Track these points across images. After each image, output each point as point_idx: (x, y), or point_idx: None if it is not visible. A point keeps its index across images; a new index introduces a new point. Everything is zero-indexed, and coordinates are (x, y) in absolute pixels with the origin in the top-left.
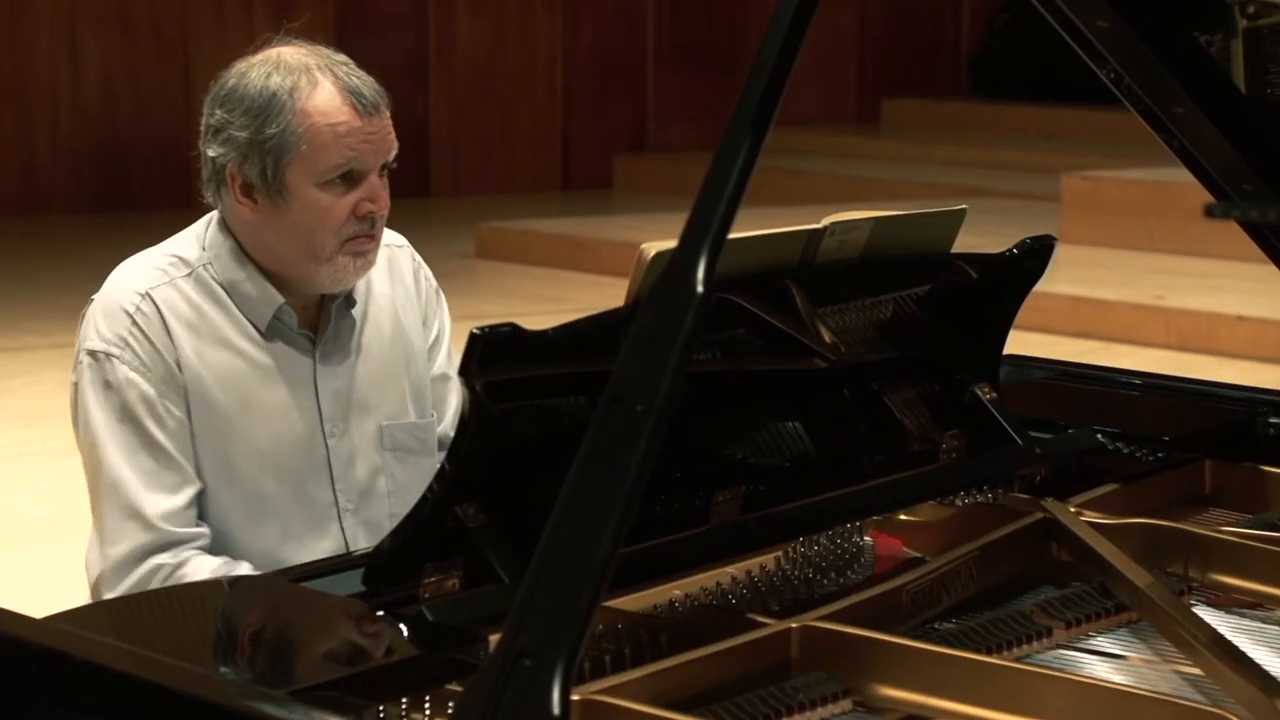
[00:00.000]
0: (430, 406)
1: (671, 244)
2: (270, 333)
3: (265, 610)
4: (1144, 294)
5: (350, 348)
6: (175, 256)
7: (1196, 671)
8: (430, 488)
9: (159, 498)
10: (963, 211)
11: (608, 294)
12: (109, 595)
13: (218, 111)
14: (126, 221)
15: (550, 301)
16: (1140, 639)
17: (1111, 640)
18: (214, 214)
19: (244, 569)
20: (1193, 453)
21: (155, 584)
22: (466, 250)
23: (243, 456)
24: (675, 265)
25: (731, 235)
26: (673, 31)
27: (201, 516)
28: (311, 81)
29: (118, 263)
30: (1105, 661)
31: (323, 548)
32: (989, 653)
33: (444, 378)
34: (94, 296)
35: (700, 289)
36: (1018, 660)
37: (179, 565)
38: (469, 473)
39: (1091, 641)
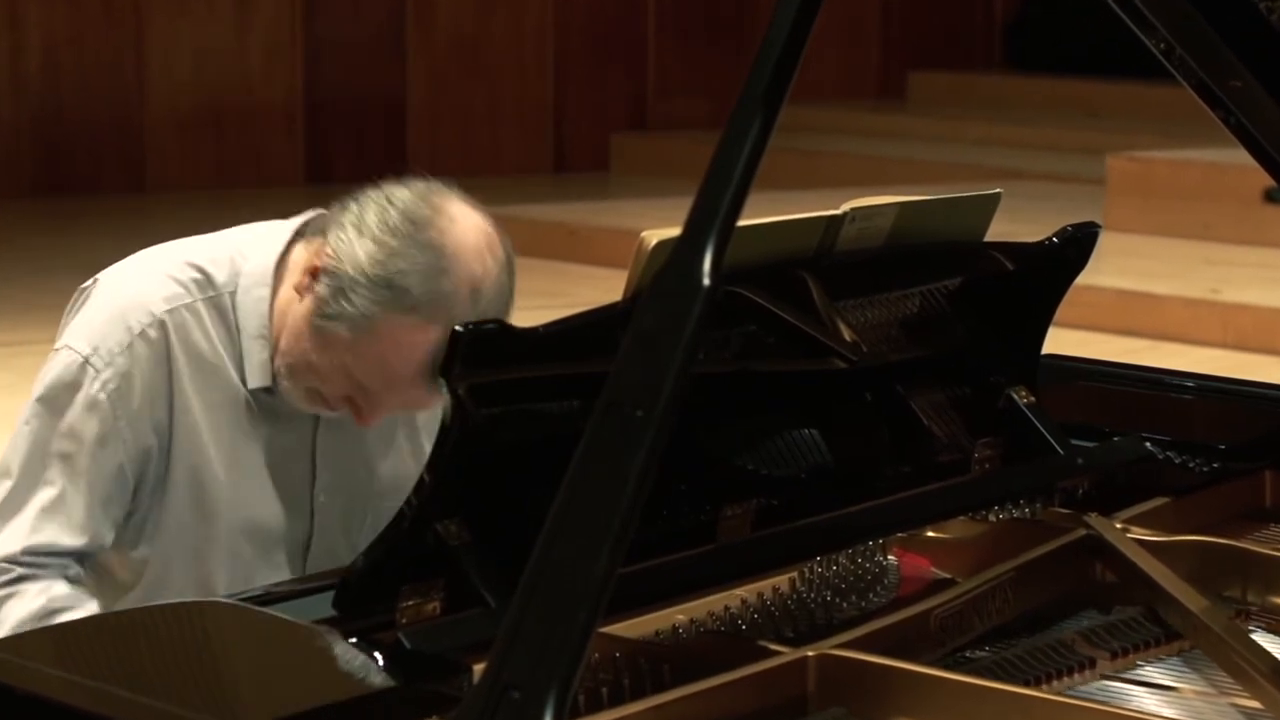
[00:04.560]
0: None
1: (675, 232)
2: (275, 387)
3: (227, 638)
4: (1198, 287)
5: None
6: (202, 273)
7: (1255, 704)
8: (408, 501)
9: (48, 528)
10: (997, 196)
11: (604, 287)
12: None
13: (368, 218)
14: (72, 207)
15: (541, 295)
16: (1193, 669)
17: (1162, 670)
18: (279, 238)
19: (93, 608)
20: (1252, 463)
21: None
22: None
23: (220, 511)
24: (679, 256)
25: (741, 222)
26: None
27: (156, 573)
28: (435, 311)
29: (62, 253)
30: (1155, 694)
31: None
32: (1026, 684)
33: None
34: (101, 276)
35: (706, 282)
36: (1058, 693)
37: (23, 578)
38: (450, 485)
39: (1140, 672)
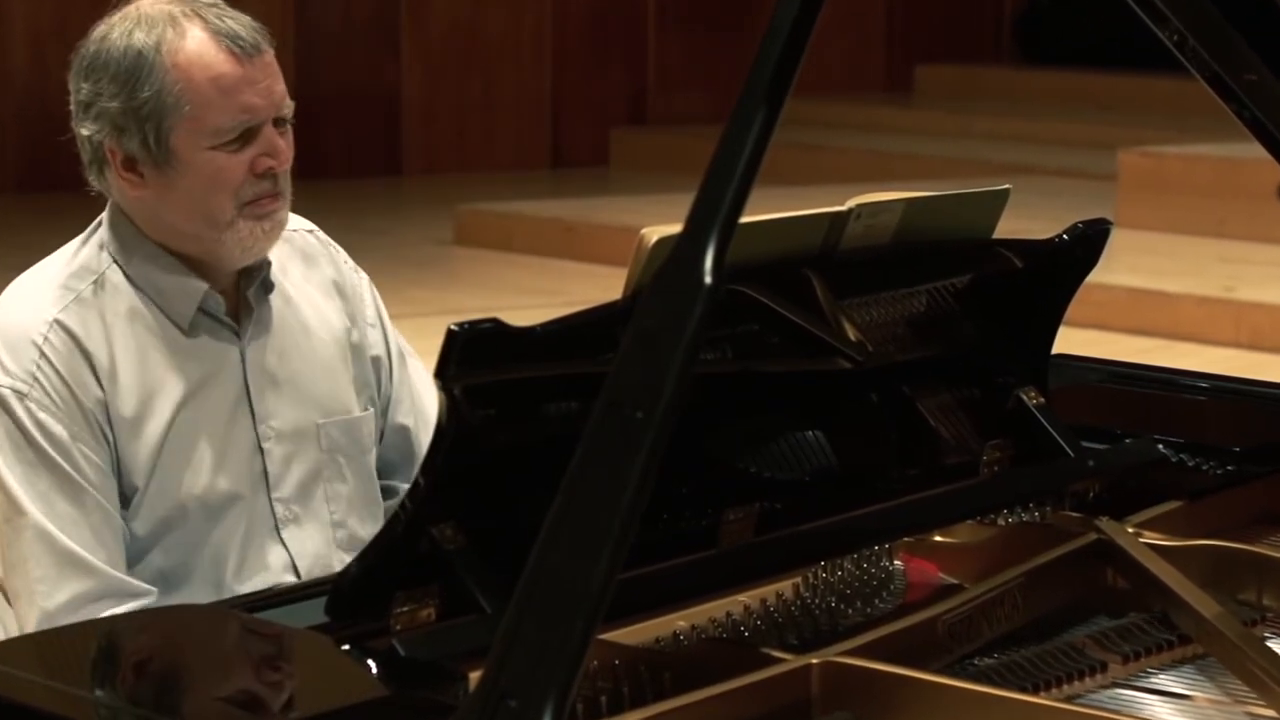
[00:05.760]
0: (368, 400)
1: (676, 229)
2: (194, 328)
3: (216, 644)
4: (1212, 285)
5: (279, 337)
6: (75, 267)
7: (1270, 713)
8: (402, 505)
9: (92, 544)
10: (1006, 192)
11: (604, 285)
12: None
13: (84, 85)
14: (58, 203)
15: (538, 294)
16: (1207, 676)
17: (1174, 678)
18: (107, 208)
19: None
20: (1267, 465)
21: None
22: (443, 236)
23: (175, 476)
24: (680, 253)
25: (744, 219)
26: None
27: (132, 559)
28: (179, 31)
29: (48, 250)
30: (1167, 702)
31: (269, 562)
32: (1035, 691)
33: (400, 358)
34: None
35: (708, 280)
36: (1068, 700)
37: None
38: (446, 488)
39: (1152, 679)
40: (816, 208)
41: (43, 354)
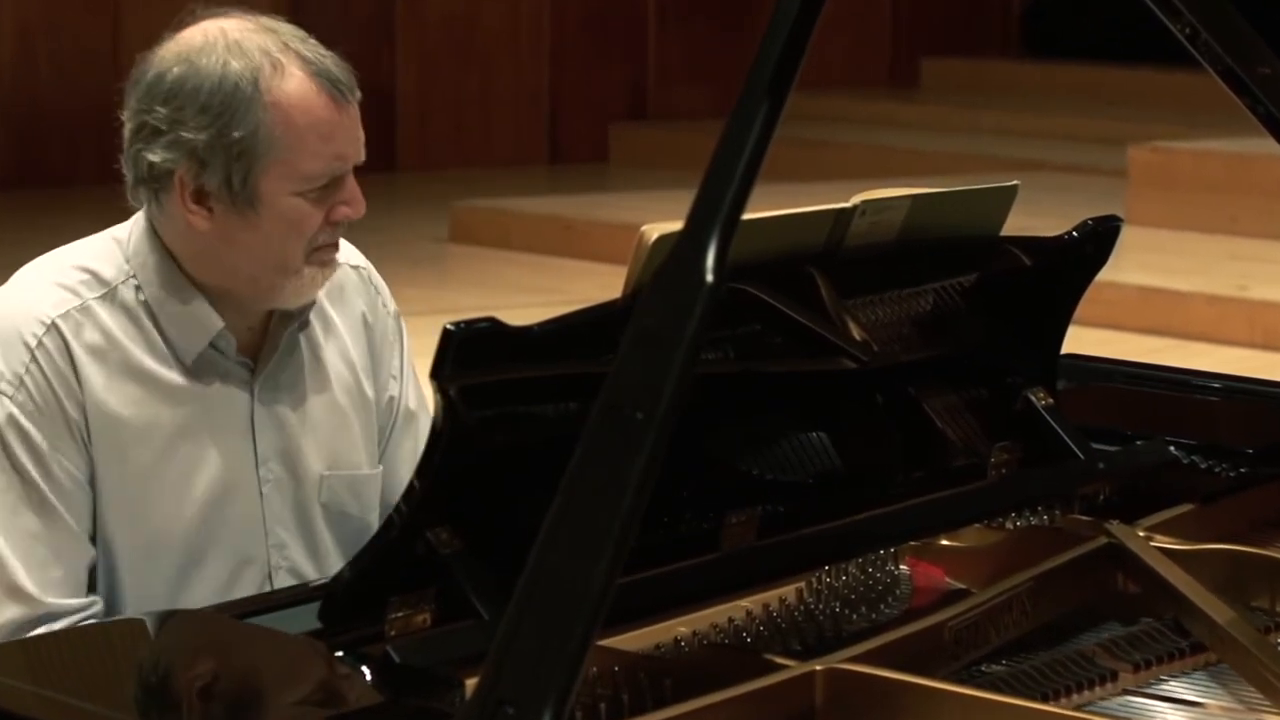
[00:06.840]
0: (378, 459)
1: (676, 226)
2: (200, 363)
3: (207, 651)
4: (1224, 284)
5: (296, 379)
6: (89, 272)
7: None
8: (397, 508)
9: (43, 565)
10: (1014, 188)
11: (603, 284)
12: None
13: (159, 109)
14: (46, 199)
15: (536, 292)
16: (1220, 683)
17: (1187, 685)
18: (138, 218)
19: None
20: None
21: None
22: (439, 233)
23: (162, 508)
24: (681, 251)
25: (746, 216)
26: None
27: (106, 584)
28: (277, 67)
29: (36, 248)
30: (1179, 710)
31: None
32: (1044, 699)
33: (407, 418)
34: None
35: (710, 278)
36: (1078, 708)
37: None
38: (442, 491)
39: (1164, 686)
40: (820, 204)
41: (34, 357)
